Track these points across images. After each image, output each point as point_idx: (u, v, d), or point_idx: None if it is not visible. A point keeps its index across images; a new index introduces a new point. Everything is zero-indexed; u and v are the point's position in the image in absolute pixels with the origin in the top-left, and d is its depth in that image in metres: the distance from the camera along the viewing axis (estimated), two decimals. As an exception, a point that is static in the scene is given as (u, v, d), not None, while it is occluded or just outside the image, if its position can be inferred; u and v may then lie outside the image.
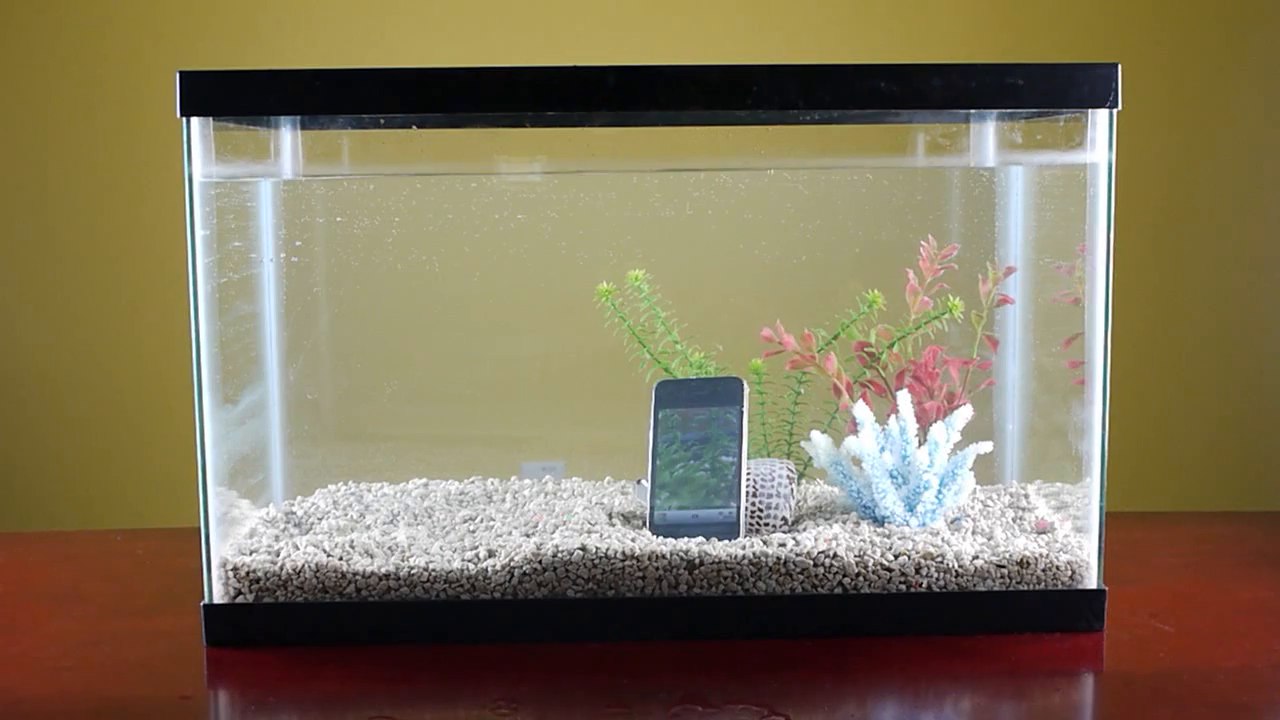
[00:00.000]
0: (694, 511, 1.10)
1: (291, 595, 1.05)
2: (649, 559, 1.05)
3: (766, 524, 1.12)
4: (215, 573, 1.05)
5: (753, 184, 1.23)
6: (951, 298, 1.21)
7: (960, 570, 1.06)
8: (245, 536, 1.13)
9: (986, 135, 1.21)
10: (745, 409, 1.13)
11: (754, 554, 1.05)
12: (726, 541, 1.07)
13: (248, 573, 1.05)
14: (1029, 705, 0.95)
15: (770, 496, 1.13)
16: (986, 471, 1.25)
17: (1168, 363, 1.96)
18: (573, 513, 1.17)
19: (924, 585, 1.05)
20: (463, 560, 1.06)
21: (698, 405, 1.14)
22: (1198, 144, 1.93)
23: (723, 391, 1.14)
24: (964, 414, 1.14)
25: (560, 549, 1.05)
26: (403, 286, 1.27)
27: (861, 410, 1.14)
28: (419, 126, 1.08)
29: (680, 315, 1.24)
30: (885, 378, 1.23)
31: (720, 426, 1.13)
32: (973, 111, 1.17)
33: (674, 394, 1.15)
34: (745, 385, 1.14)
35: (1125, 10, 1.91)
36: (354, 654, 1.02)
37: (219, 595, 1.05)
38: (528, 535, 1.12)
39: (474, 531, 1.15)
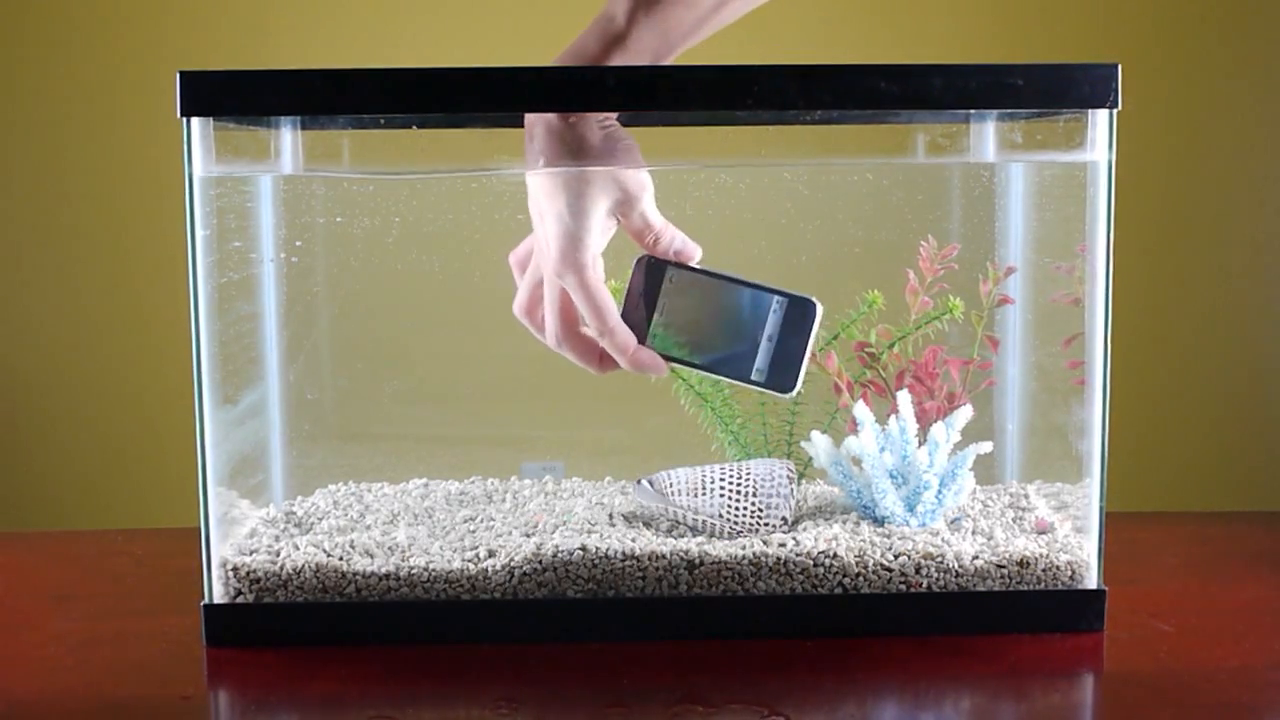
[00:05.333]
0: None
1: (291, 595, 1.05)
2: (649, 559, 1.05)
3: (766, 524, 1.12)
4: (215, 573, 1.05)
5: (753, 184, 1.23)
6: (952, 298, 1.21)
7: (960, 570, 1.06)
8: (245, 536, 1.13)
9: (986, 135, 1.21)
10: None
11: (754, 554, 1.05)
12: (727, 541, 1.07)
13: (248, 573, 1.05)
14: (1029, 705, 0.95)
15: (770, 496, 1.13)
16: (986, 471, 1.25)
17: (1167, 363, 1.96)
18: (573, 513, 1.17)
19: (924, 585, 1.05)
20: (463, 560, 1.06)
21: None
22: (1198, 144, 1.93)
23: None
24: (964, 414, 1.14)
25: (560, 549, 1.05)
26: (403, 286, 1.27)
27: (861, 410, 1.14)
28: (419, 126, 1.08)
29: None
30: (885, 378, 1.23)
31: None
32: (972, 111, 1.17)
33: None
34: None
35: (1125, 10, 1.91)
36: (354, 654, 1.02)
37: (219, 595, 1.05)
38: (528, 535, 1.12)
39: (474, 531, 1.15)
